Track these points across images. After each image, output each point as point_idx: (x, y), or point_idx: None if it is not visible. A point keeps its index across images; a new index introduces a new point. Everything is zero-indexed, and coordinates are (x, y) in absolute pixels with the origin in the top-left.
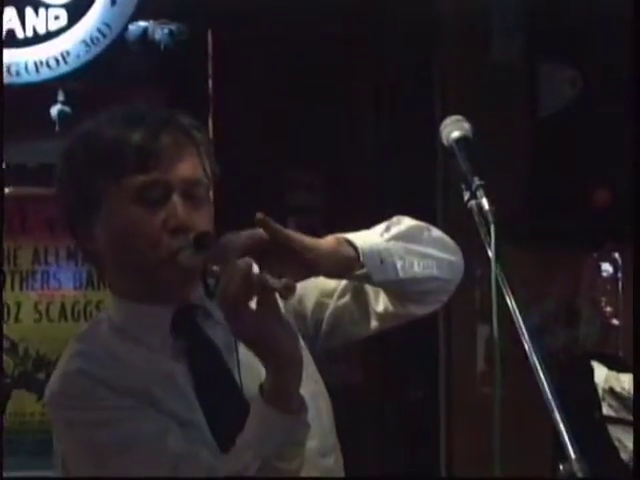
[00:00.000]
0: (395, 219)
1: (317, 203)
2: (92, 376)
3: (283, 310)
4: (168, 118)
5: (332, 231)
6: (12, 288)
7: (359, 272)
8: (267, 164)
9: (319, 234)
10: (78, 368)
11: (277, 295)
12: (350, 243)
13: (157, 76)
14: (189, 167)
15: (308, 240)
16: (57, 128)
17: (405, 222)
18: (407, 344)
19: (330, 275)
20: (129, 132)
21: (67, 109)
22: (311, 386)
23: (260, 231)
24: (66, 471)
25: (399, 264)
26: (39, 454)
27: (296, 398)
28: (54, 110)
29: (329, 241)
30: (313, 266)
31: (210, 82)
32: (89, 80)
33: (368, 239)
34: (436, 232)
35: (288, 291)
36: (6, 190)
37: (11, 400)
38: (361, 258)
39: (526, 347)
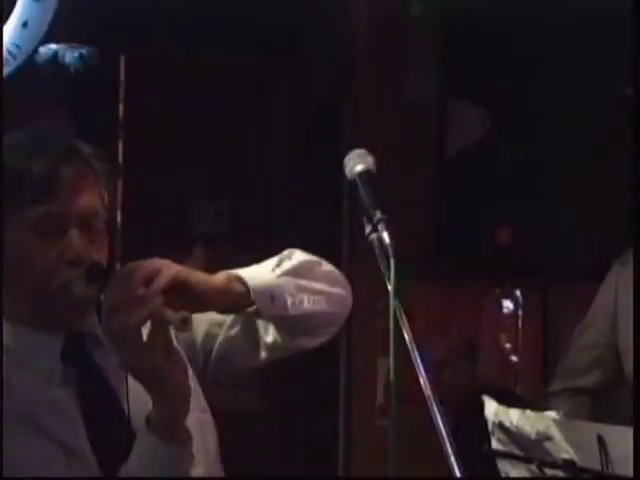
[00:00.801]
0: (287, 252)
1: (224, 230)
2: None
3: (174, 340)
4: (70, 148)
5: (239, 258)
6: None
7: (250, 309)
8: (176, 191)
9: (226, 261)
10: None
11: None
12: (241, 280)
13: (67, 99)
14: (88, 199)
15: (198, 275)
16: None
17: (296, 256)
18: (309, 375)
19: (220, 311)
20: (29, 161)
21: None
22: (198, 415)
23: (154, 263)
24: None
25: (289, 300)
26: None
27: (182, 429)
28: None
29: (220, 277)
30: (203, 301)
31: (121, 107)
32: None
33: (259, 275)
34: (327, 266)
35: (184, 324)
36: None
37: None
38: (252, 295)
39: (421, 381)
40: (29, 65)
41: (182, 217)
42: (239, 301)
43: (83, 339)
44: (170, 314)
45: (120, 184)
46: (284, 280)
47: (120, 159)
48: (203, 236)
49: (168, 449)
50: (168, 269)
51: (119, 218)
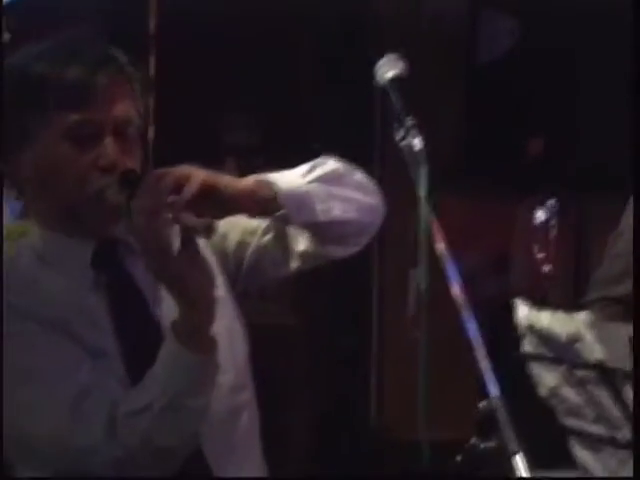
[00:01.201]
0: (320, 160)
1: (256, 142)
2: (7, 303)
3: (207, 247)
4: (105, 55)
5: (271, 170)
6: None
7: (278, 213)
8: (206, 103)
9: (258, 173)
10: None
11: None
12: (270, 184)
13: (97, 10)
14: (123, 107)
15: (227, 179)
16: None
17: (329, 164)
18: (341, 288)
19: (249, 214)
20: (63, 68)
21: (7, 39)
22: (228, 324)
23: (183, 169)
24: None
25: (319, 207)
26: None
27: (207, 337)
28: None
29: (248, 181)
30: (231, 205)
31: (152, 19)
32: (27, 13)
33: (289, 180)
34: (358, 175)
35: (209, 230)
36: None
37: None
38: (280, 200)
39: (453, 291)
40: None
41: (214, 130)
42: (267, 205)
43: (115, 246)
44: (195, 220)
45: (152, 97)
46: (314, 186)
47: (152, 72)
48: (235, 148)
49: (192, 357)
50: (197, 175)
51: (151, 131)
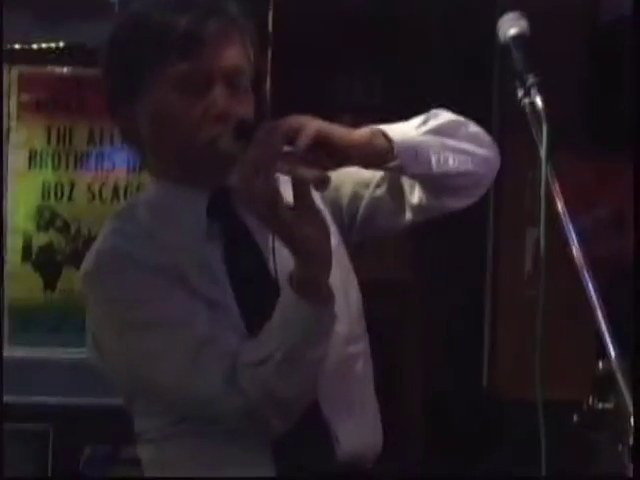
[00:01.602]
0: (433, 112)
1: (374, 102)
2: (125, 254)
3: (320, 199)
4: (215, 4)
5: None
6: (67, 168)
7: (393, 164)
8: (325, 62)
9: None
10: (112, 246)
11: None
12: (385, 135)
13: None
14: (233, 56)
15: (341, 130)
16: (116, 9)
17: (443, 116)
18: (455, 245)
19: (363, 165)
20: (176, 17)
21: None
22: (342, 275)
23: (296, 120)
24: (96, 346)
25: (434, 158)
26: (86, 331)
27: (324, 289)
28: None
29: (363, 132)
30: (345, 156)
31: None
32: None
33: (404, 132)
34: (473, 127)
35: (322, 183)
36: (65, 69)
37: (61, 278)
38: (395, 150)
39: (573, 250)
40: None
41: (330, 89)
42: (382, 156)
43: (228, 195)
44: (309, 172)
45: (269, 53)
46: (429, 137)
47: (270, 28)
48: (352, 107)
49: (310, 308)
50: (311, 125)
51: (268, 85)
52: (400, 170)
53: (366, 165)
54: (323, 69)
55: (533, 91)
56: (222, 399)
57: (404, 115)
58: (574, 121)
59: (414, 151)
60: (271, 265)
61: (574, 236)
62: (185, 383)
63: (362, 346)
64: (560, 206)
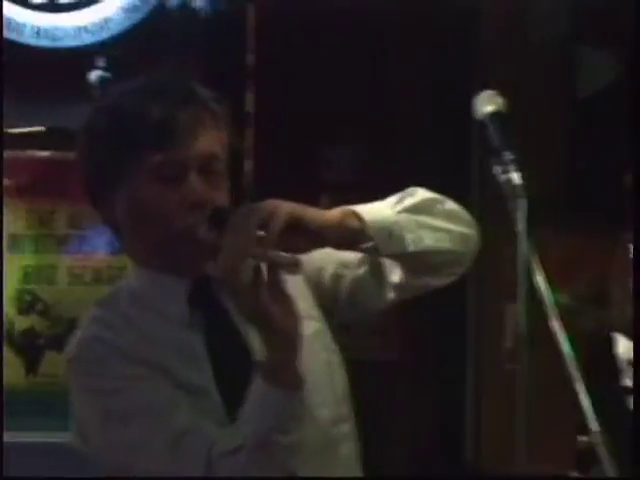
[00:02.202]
0: (410, 190)
1: (351, 179)
2: (107, 343)
3: (298, 282)
4: (187, 91)
5: None
6: (48, 251)
7: (367, 245)
8: (305, 140)
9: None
10: (94, 335)
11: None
12: (357, 215)
13: (196, 45)
14: (207, 142)
15: (313, 212)
16: (97, 93)
17: (419, 194)
18: (437, 322)
19: (337, 247)
20: (148, 106)
21: (107, 75)
22: (326, 356)
23: (269, 205)
24: (79, 431)
25: (409, 237)
26: (69, 416)
27: (291, 373)
28: (94, 76)
29: (335, 213)
30: (319, 237)
31: (251, 54)
32: (129, 46)
33: (378, 212)
34: (450, 204)
35: (294, 267)
36: (47, 153)
37: (43, 362)
38: (367, 231)
39: (551, 325)
40: (159, 10)
41: (310, 166)
42: (355, 236)
43: (209, 282)
44: (281, 257)
45: (251, 133)
46: (404, 217)
47: (250, 109)
48: (330, 185)
49: (279, 394)
50: (283, 208)
51: (248, 165)
52: (375, 251)
53: (340, 246)
54: (304, 147)
55: (510, 167)
56: None
57: (385, 193)
58: (552, 194)
59: (388, 231)
60: (253, 352)
61: (553, 311)
62: (165, 473)
63: (347, 427)
64: (540, 281)
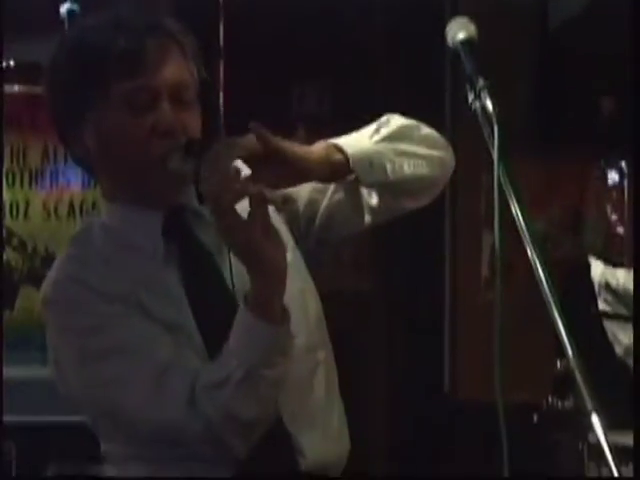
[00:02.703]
0: (384, 119)
1: (325, 112)
2: (83, 282)
3: (273, 211)
4: (153, 23)
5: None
6: (21, 186)
7: (349, 177)
8: (277, 73)
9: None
10: (69, 274)
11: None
12: (340, 149)
13: None
14: (176, 70)
15: (298, 149)
16: (66, 27)
17: (394, 121)
18: (413, 253)
19: (320, 180)
20: (113, 38)
21: (75, 7)
22: (299, 284)
23: (252, 139)
24: (56, 370)
25: (389, 166)
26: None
27: (279, 307)
28: (63, 9)
29: (319, 148)
30: (304, 174)
31: None
32: None
33: (357, 143)
34: (425, 129)
35: (285, 203)
36: (17, 88)
37: (19, 296)
38: (351, 164)
39: (528, 252)
40: None
41: (283, 100)
42: (338, 170)
43: (183, 213)
44: (271, 194)
45: (221, 65)
46: (382, 146)
47: (221, 42)
48: (304, 119)
49: (265, 327)
50: (268, 142)
51: (221, 99)
52: (357, 182)
53: (323, 180)
54: (277, 79)
55: (483, 94)
56: (184, 423)
57: (356, 124)
58: (525, 123)
59: (368, 162)
60: (229, 284)
61: (529, 238)
62: (148, 408)
63: (323, 355)
64: (515, 208)
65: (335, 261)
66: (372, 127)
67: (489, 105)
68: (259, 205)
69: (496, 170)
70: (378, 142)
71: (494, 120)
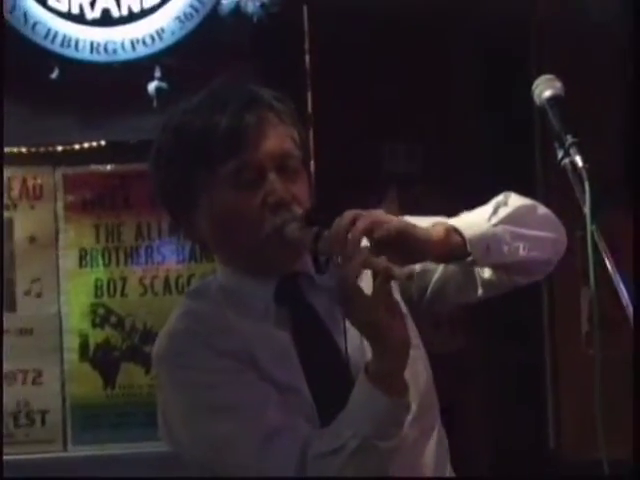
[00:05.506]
0: (502, 197)
1: (416, 171)
2: (200, 336)
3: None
4: (250, 97)
5: (431, 199)
6: (117, 264)
7: (468, 259)
8: (366, 134)
9: (419, 202)
10: (186, 327)
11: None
12: (458, 231)
13: (251, 50)
14: (277, 141)
15: (419, 230)
16: (155, 104)
17: (512, 201)
18: (510, 309)
19: (437, 261)
20: (215, 119)
21: (164, 85)
22: (412, 352)
23: (376, 214)
24: (164, 425)
25: (505, 249)
26: (149, 425)
27: (400, 380)
28: (151, 87)
29: (438, 231)
30: (422, 255)
31: (307, 56)
32: (184, 55)
33: (475, 225)
34: (541, 209)
35: (409, 279)
36: (109, 167)
37: (120, 373)
38: (468, 248)
39: (624, 305)
40: (212, 18)
41: (374, 159)
42: (456, 252)
43: (296, 279)
44: (397, 270)
45: (311, 133)
46: (500, 229)
47: (309, 108)
48: (395, 177)
49: (385, 399)
50: (390, 220)
51: (312, 166)
52: (473, 263)
53: (440, 261)
54: (367, 141)
55: (572, 151)
56: None
57: (446, 183)
58: (616, 178)
59: (485, 244)
60: (342, 349)
61: (626, 293)
62: (256, 469)
63: (432, 420)
64: (609, 264)
65: (431, 324)
66: (491, 207)
67: (578, 162)
68: (386, 281)
69: (589, 226)
70: (496, 225)
71: (584, 176)
